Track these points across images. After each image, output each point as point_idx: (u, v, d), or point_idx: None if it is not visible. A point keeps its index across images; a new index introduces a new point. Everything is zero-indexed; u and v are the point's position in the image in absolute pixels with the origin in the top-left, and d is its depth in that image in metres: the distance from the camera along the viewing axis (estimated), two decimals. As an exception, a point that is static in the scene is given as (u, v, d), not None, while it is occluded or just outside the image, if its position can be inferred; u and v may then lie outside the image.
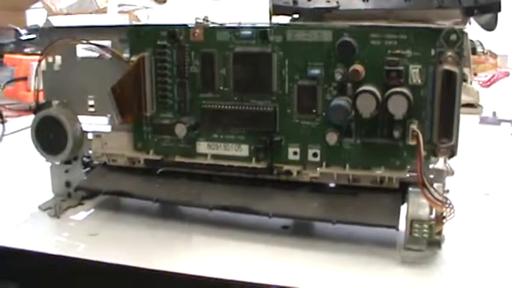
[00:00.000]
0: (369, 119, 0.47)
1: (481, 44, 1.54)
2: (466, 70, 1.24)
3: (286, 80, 0.50)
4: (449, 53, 0.45)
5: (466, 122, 0.96)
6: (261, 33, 0.49)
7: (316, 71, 0.48)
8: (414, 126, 0.46)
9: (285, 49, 0.49)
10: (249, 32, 0.50)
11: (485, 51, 1.55)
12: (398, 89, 0.45)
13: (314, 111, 0.49)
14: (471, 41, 1.50)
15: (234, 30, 0.50)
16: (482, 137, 0.93)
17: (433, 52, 0.46)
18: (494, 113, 1.03)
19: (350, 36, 0.47)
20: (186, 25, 0.52)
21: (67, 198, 0.58)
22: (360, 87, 0.46)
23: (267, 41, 0.49)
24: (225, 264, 0.46)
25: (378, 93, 0.46)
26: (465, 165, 0.56)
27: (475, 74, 1.53)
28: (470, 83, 1.20)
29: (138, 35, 0.53)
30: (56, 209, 0.55)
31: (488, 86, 1.45)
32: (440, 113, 0.46)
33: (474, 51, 1.49)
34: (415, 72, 0.46)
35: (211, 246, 0.50)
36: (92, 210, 0.57)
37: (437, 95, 0.46)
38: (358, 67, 0.47)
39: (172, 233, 0.52)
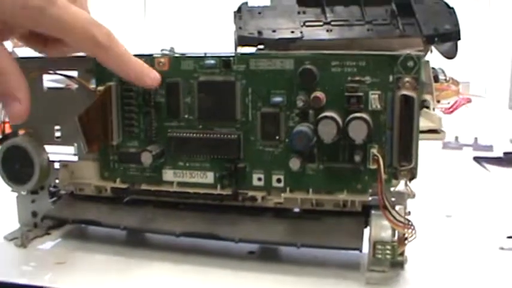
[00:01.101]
0: (331, 144, 0.48)
1: (443, 72, 1.58)
2: (428, 97, 1.27)
3: (250, 107, 0.51)
4: (407, 79, 0.47)
5: (429, 147, 0.99)
6: (224, 62, 0.50)
7: (278, 99, 0.50)
8: (375, 150, 0.48)
9: (248, 77, 0.50)
10: (212, 61, 0.51)
11: (447, 79, 1.59)
12: (358, 115, 0.47)
13: (277, 137, 0.50)
14: (433, 68, 1.53)
15: (198, 59, 0.51)
16: (444, 161, 0.95)
17: (391, 78, 0.47)
18: (456, 138, 1.06)
19: (311, 64, 0.49)
20: (151, 55, 0.53)
21: (33, 228, 0.58)
22: (321, 114, 0.48)
23: (230, 69, 0.51)
24: (192, 290, 0.47)
25: (339, 119, 0.47)
26: (428, 188, 0.58)
27: (438, 101, 1.57)
28: (433, 109, 1.23)
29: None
30: (23, 238, 0.55)
31: (451, 112, 1.49)
32: (399, 137, 0.47)
33: (436, 79, 1.52)
34: (374, 98, 0.48)
35: (179, 272, 0.50)
36: (59, 239, 0.57)
37: (396, 119, 0.47)
38: (319, 94, 0.48)
39: (140, 260, 0.52)
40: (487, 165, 0.89)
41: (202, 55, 0.51)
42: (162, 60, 0.52)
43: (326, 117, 0.47)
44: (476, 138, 1.04)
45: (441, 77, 1.56)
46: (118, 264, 0.51)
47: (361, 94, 0.48)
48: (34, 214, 0.58)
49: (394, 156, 0.48)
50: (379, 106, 0.48)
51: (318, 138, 0.48)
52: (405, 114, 0.47)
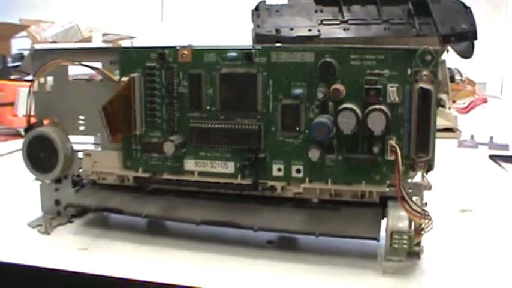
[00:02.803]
0: (350, 135, 0.49)
1: (459, 72, 1.58)
2: (444, 96, 1.28)
3: (271, 99, 0.52)
4: (425, 72, 0.48)
5: (445, 146, 1.00)
6: (246, 55, 0.52)
7: (299, 91, 0.51)
8: (393, 142, 0.48)
9: (269, 70, 0.51)
10: (234, 54, 0.52)
11: (463, 79, 1.59)
12: (376, 106, 0.48)
13: (297, 129, 0.51)
14: (450, 69, 1.53)
15: (221, 51, 0.53)
16: (460, 159, 0.95)
17: (409, 71, 0.48)
18: (472, 137, 1.06)
19: (331, 57, 0.50)
20: (174, 47, 0.54)
21: (56, 216, 0.59)
22: (341, 106, 0.49)
23: (252, 62, 0.52)
24: (212, 277, 0.48)
25: (358, 111, 0.48)
26: (444, 184, 0.59)
27: (454, 101, 1.57)
28: (449, 108, 1.24)
29: (128, 57, 0.55)
30: (46, 225, 0.56)
31: (467, 112, 1.49)
32: (417, 129, 0.48)
33: (453, 79, 1.52)
34: (392, 91, 0.49)
35: (199, 259, 0.51)
36: (82, 227, 0.58)
37: (414, 111, 0.48)
38: (339, 86, 0.49)
39: (160, 247, 0.53)
40: (503, 164, 0.89)
41: (225, 48, 0.52)
42: (185, 52, 0.53)
43: (345, 108, 0.48)
44: (491, 137, 1.04)
45: (457, 77, 1.56)
46: (139, 251, 0.53)
47: (379, 87, 0.49)
48: (57, 202, 0.60)
49: (412, 148, 0.49)
50: (397, 99, 0.49)
51: (337, 130, 0.49)
52: (423, 106, 0.48)
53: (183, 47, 0.54)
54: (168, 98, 0.54)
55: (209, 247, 0.53)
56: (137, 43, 1.98)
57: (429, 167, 0.49)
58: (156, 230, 0.58)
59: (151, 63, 0.54)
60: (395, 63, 0.49)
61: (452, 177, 0.79)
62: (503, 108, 1.83)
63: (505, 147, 1.02)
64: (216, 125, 0.53)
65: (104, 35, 1.88)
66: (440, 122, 1.15)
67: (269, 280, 0.47)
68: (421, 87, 0.48)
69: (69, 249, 0.53)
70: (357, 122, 0.48)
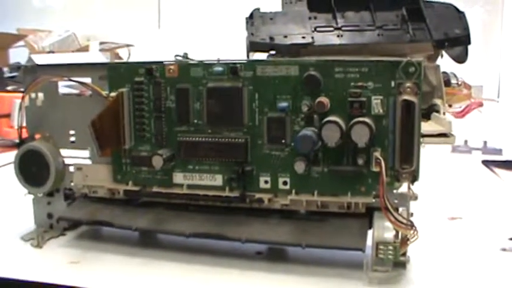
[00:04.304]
0: (335, 148, 0.49)
1: (455, 76, 1.58)
2: (438, 101, 1.28)
3: (257, 112, 0.52)
4: (408, 84, 0.48)
5: (439, 151, 1.00)
6: (232, 69, 0.52)
7: (284, 104, 0.51)
8: (377, 154, 0.49)
9: (255, 83, 0.52)
10: (220, 68, 0.52)
11: (459, 83, 1.59)
12: (360, 119, 0.48)
13: (283, 141, 0.52)
14: (445, 73, 1.54)
15: (207, 66, 0.53)
16: (453, 165, 0.96)
17: (393, 84, 0.49)
18: (465, 142, 1.07)
19: (315, 70, 0.50)
20: (161, 62, 0.55)
21: (49, 229, 0.60)
22: (326, 118, 0.49)
23: (238, 76, 0.52)
24: (201, 288, 0.48)
25: (342, 123, 0.49)
26: (434, 191, 0.59)
27: (450, 105, 1.57)
28: (444, 113, 1.24)
29: (117, 72, 0.56)
30: (39, 239, 0.57)
31: (462, 116, 1.49)
32: (401, 141, 0.49)
33: (448, 83, 1.52)
34: (376, 103, 0.49)
35: (188, 271, 0.51)
36: (74, 240, 0.59)
37: (398, 123, 0.49)
38: (323, 99, 0.50)
39: (151, 260, 0.54)
40: (495, 169, 0.89)
41: (211, 62, 0.53)
42: (172, 67, 0.54)
43: (330, 121, 0.49)
44: (485, 142, 1.05)
45: (453, 81, 1.56)
46: (130, 264, 0.53)
47: (364, 99, 0.49)
48: (50, 216, 0.60)
49: (396, 159, 0.49)
50: (381, 111, 0.49)
51: (322, 142, 0.49)
52: (406, 118, 0.48)
53: (174, 61, 0.55)
54: (156, 112, 0.55)
55: (200, 259, 0.54)
56: (135, 51, 1.99)
57: (414, 177, 0.50)
58: (147, 242, 0.58)
59: (139, 79, 0.55)
60: (379, 76, 0.49)
61: (443, 183, 0.80)
62: (499, 112, 1.84)
63: (499, 152, 1.03)
64: (204, 139, 0.54)
65: (101, 43, 1.88)
66: (435, 128, 1.16)
67: (256, 291, 0.48)
68: (405, 99, 0.48)
69: (60, 263, 0.53)
70: (341, 134, 0.48)
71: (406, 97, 0.48)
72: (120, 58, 1.96)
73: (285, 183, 0.53)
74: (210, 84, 0.53)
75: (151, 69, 0.54)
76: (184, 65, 0.54)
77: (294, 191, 0.53)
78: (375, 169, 0.49)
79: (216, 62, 0.53)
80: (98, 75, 0.57)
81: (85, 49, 1.82)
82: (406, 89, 0.48)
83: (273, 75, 0.52)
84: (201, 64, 0.53)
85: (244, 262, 0.53)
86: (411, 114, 0.48)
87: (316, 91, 0.50)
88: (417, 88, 0.48)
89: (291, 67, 0.51)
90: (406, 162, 0.49)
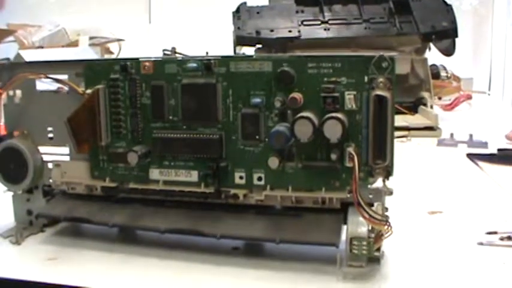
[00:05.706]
0: (309, 143, 0.49)
1: (445, 68, 1.58)
2: (426, 94, 1.29)
3: (231, 108, 0.53)
4: (381, 79, 0.48)
5: (424, 144, 1.00)
6: (205, 65, 0.52)
7: (258, 100, 0.51)
8: (351, 149, 0.49)
9: (229, 79, 0.52)
10: (194, 64, 0.52)
11: (448, 75, 1.59)
12: (333, 114, 0.48)
13: (257, 137, 0.52)
14: (435, 65, 1.54)
15: (181, 62, 0.53)
16: (438, 158, 0.96)
17: (366, 79, 0.49)
18: (452, 135, 1.07)
19: (288, 66, 0.50)
20: (137, 59, 0.55)
21: (28, 226, 0.60)
22: (298, 114, 0.49)
23: (212, 72, 0.52)
24: (178, 284, 0.49)
25: (315, 119, 0.49)
26: (415, 185, 0.59)
27: (440, 98, 1.57)
28: (431, 106, 1.24)
29: (92, 69, 0.56)
30: (17, 236, 0.57)
31: (451, 109, 1.49)
32: (374, 136, 0.49)
33: (438, 76, 1.53)
34: (349, 98, 0.49)
35: (165, 267, 0.52)
36: (53, 236, 0.59)
37: (371, 118, 0.49)
38: (296, 95, 0.50)
39: (128, 256, 0.54)
40: (479, 162, 0.90)
41: (185, 58, 0.53)
42: (147, 64, 0.54)
43: (302, 117, 0.49)
44: (471, 135, 1.05)
45: (443, 73, 1.56)
46: (108, 260, 0.53)
47: (337, 94, 0.49)
48: (29, 212, 0.60)
49: (370, 155, 0.49)
50: (354, 106, 0.49)
51: (295, 138, 0.49)
52: (379, 113, 0.48)
53: (145, 59, 0.55)
54: (132, 109, 0.55)
55: (178, 254, 0.54)
56: (125, 46, 1.99)
57: (387, 173, 0.50)
58: (126, 238, 0.58)
59: (114, 75, 0.55)
60: (352, 71, 0.49)
61: (426, 177, 0.80)
62: (489, 105, 1.84)
63: (484, 145, 1.03)
64: (179, 135, 0.54)
65: (91, 38, 1.88)
66: (421, 121, 1.16)
67: (232, 286, 0.48)
68: (377, 95, 0.48)
69: (38, 259, 0.54)
70: (313, 130, 0.48)
71: (378, 92, 0.48)
72: (111, 53, 1.96)
73: (259, 178, 0.53)
74: (185, 80, 0.53)
75: (126, 66, 0.54)
76: (159, 62, 0.54)
77: (268, 187, 0.53)
78: (349, 164, 0.49)
79: (190, 58, 0.53)
80: (74, 72, 0.57)
81: (75, 44, 1.81)
82: (379, 84, 0.48)
83: (246, 71, 0.52)
84: (175, 60, 0.54)
85: (221, 257, 0.53)
86: (384, 109, 0.48)
87: (290, 87, 0.50)
88: (390, 83, 0.48)
89: (264, 63, 0.51)
90: (379, 158, 0.49)
